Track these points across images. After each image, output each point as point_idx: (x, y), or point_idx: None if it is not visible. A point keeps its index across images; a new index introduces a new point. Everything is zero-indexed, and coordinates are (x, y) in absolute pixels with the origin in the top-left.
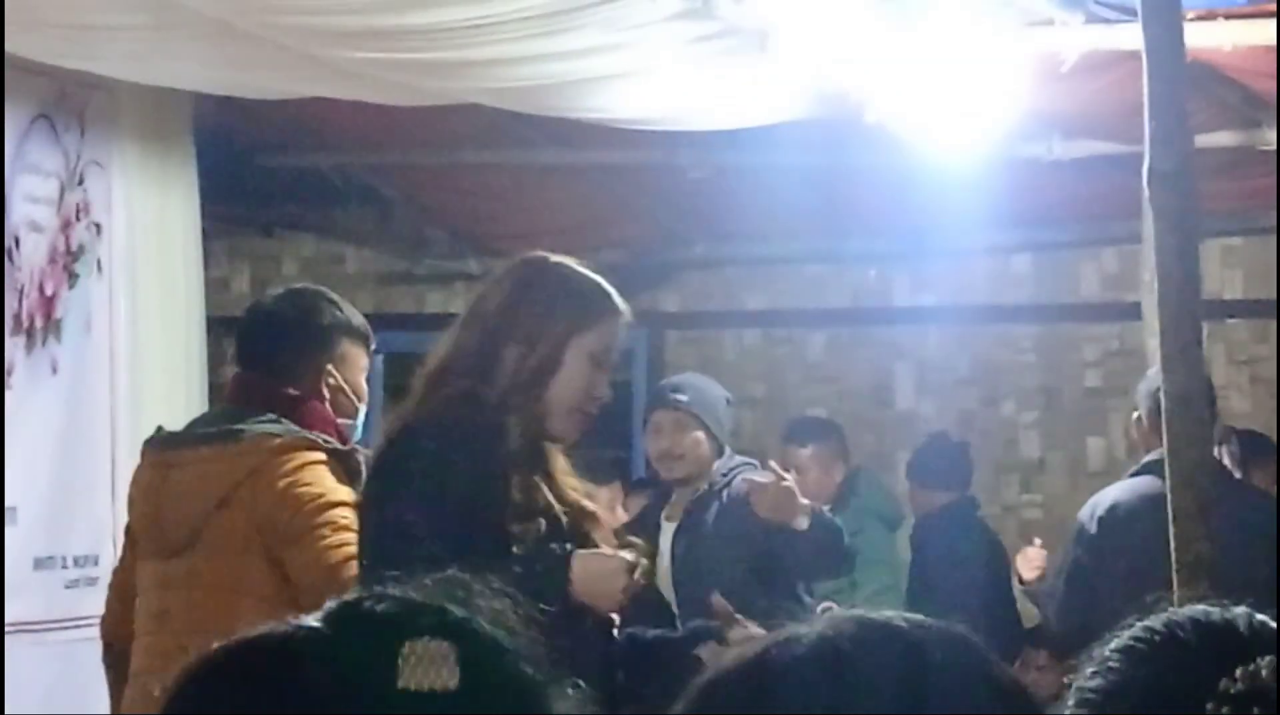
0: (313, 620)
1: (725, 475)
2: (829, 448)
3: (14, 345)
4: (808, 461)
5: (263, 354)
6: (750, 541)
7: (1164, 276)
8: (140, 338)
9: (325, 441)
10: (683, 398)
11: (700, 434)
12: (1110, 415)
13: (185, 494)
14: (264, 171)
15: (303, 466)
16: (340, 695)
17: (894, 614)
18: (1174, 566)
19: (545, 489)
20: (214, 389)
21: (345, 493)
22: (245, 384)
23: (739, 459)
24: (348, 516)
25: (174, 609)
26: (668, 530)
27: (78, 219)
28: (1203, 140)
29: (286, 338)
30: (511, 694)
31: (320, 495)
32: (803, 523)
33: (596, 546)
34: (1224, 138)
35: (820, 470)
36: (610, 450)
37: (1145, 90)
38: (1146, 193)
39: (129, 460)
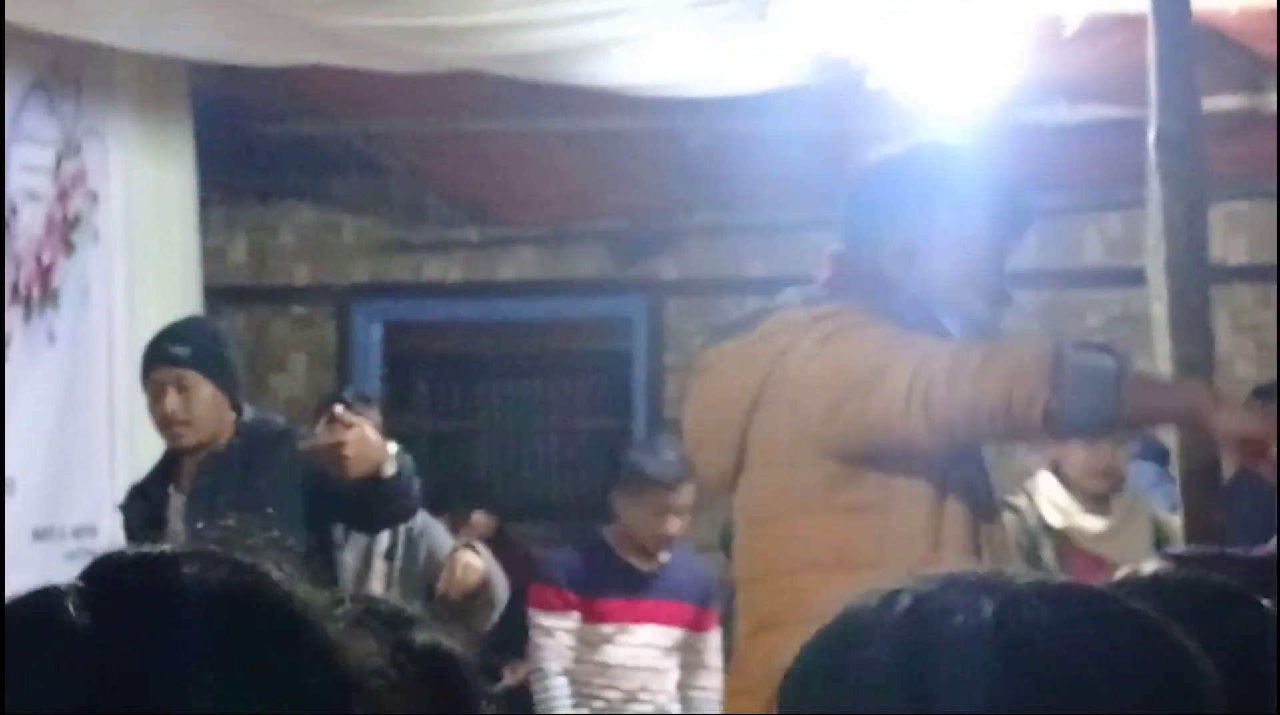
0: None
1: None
2: None
3: (12, 315)
4: None
5: None
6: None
7: (1171, 241)
8: (137, 307)
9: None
10: (182, 351)
11: (210, 390)
12: None
13: (709, 403)
14: (261, 140)
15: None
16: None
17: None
18: (1185, 534)
19: None
20: None
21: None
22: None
23: (259, 415)
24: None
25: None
26: (177, 503)
27: (75, 188)
28: (1207, 104)
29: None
30: (282, 627)
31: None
32: (389, 468)
33: None
34: (1228, 102)
35: None
36: (609, 420)
37: (1152, 54)
38: (1153, 157)
39: (127, 430)
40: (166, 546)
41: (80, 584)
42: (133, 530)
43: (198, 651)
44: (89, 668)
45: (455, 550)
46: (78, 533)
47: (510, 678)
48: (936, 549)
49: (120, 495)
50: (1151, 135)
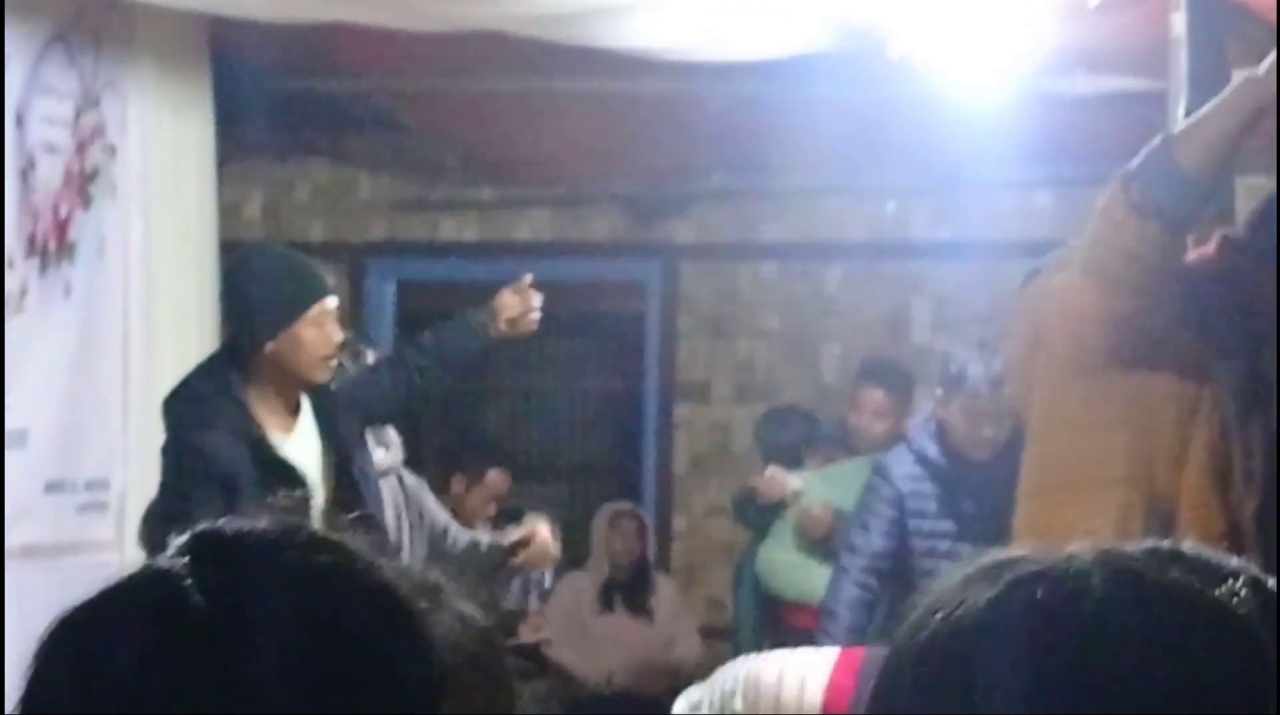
0: (169, 558)
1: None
2: (900, 393)
3: (28, 268)
4: (881, 404)
5: None
6: None
7: None
8: (153, 261)
9: None
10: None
11: None
12: None
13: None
14: (279, 96)
15: None
16: (214, 631)
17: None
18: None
19: None
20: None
21: None
22: None
23: None
24: None
25: None
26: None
27: (93, 141)
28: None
29: None
30: (386, 610)
31: None
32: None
33: None
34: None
35: (891, 414)
36: (620, 382)
37: (1183, 29)
38: None
39: (141, 384)
40: (266, 523)
41: (186, 562)
42: (234, 475)
43: (302, 634)
44: (201, 651)
45: (533, 524)
46: (90, 486)
47: (528, 634)
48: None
49: (133, 449)
50: (1181, 109)
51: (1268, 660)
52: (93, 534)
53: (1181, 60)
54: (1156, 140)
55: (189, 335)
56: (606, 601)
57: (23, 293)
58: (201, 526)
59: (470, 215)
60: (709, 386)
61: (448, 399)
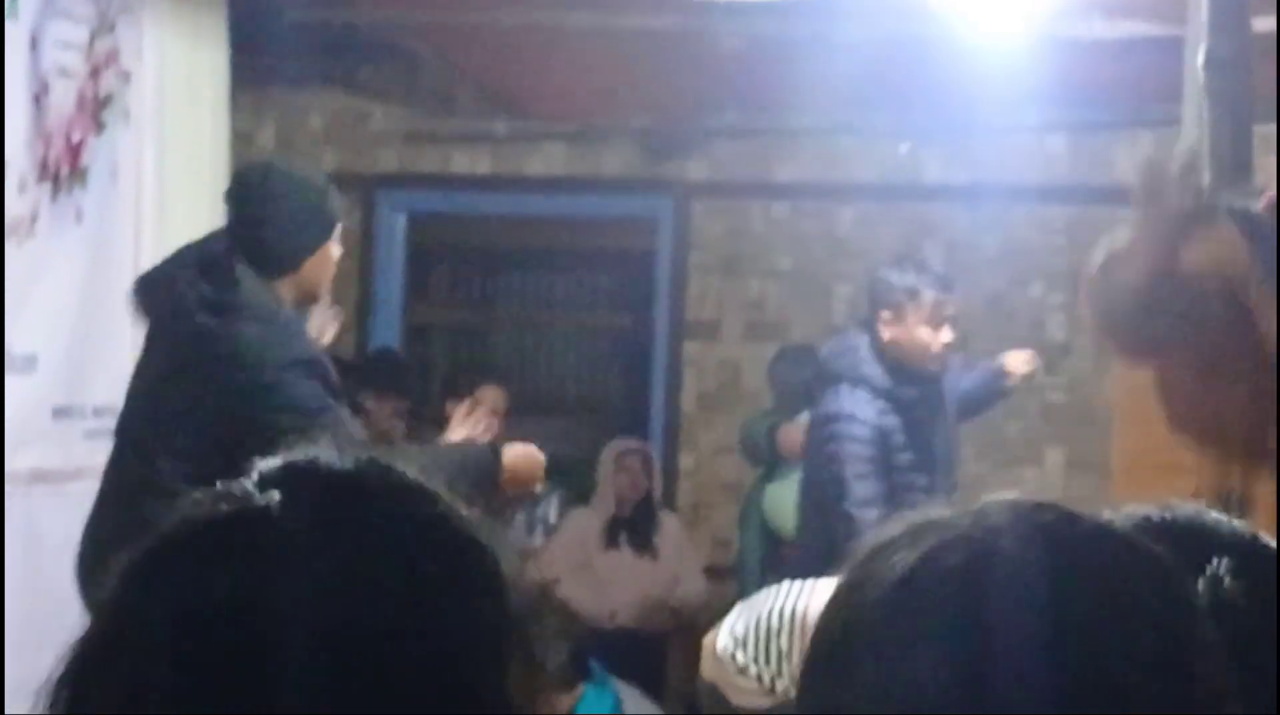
0: (253, 485)
1: None
2: None
3: (40, 192)
4: None
5: None
6: None
7: (1216, 162)
8: (165, 188)
9: None
10: None
11: None
12: None
13: None
14: (294, 25)
15: None
16: (294, 560)
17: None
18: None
19: None
20: None
21: None
22: None
23: None
24: None
25: None
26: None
27: (107, 66)
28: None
29: None
30: (465, 552)
31: None
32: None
33: None
34: (1265, 23)
35: None
36: (629, 318)
37: None
38: (1202, 78)
39: None
40: (352, 460)
41: (279, 500)
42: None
43: (393, 577)
44: (294, 589)
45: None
46: (98, 412)
47: (534, 573)
48: None
49: None
50: (1201, 56)
51: (1187, 609)
52: (100, 460)
53: (1202, 6)
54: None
55: None
56: (612, 538)
57: (34, 217)
58: (292, 458)
59: (483, 148)
60: (719, 325)
61: (456, 334)
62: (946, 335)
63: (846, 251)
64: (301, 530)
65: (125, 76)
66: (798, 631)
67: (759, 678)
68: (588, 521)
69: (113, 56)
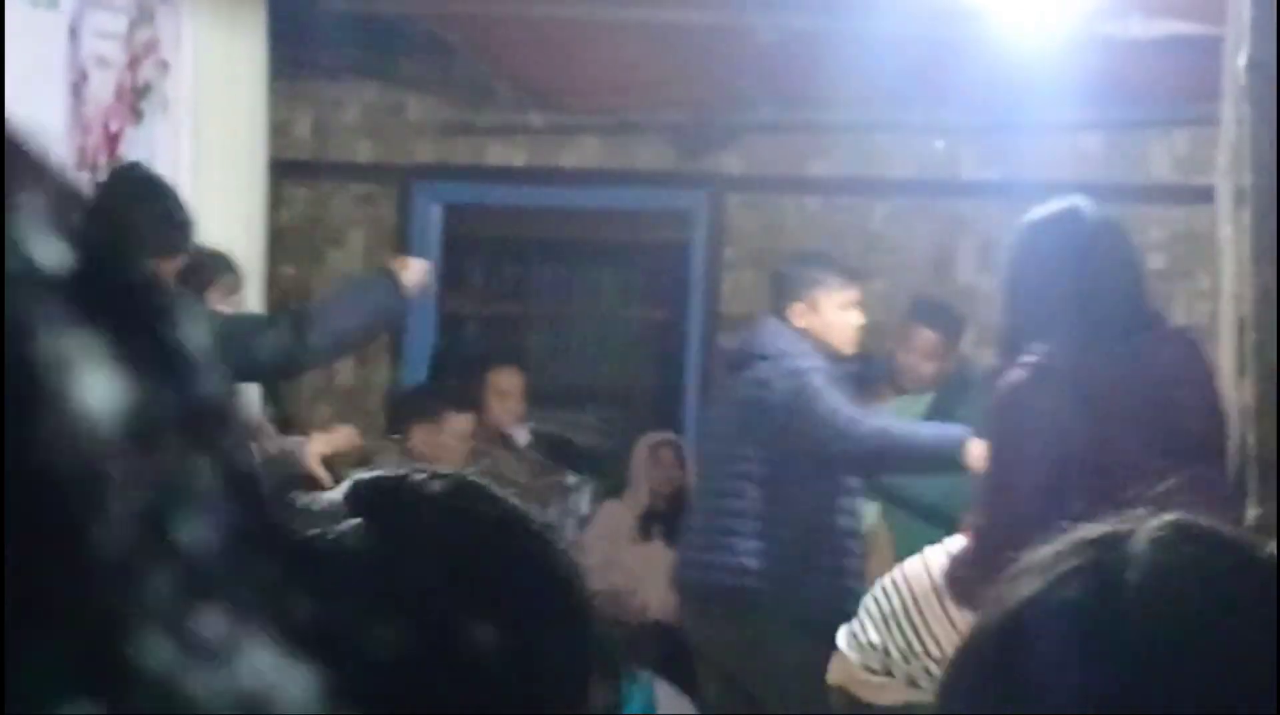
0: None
1: None
2: (951, 336)
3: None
4: (933, 345)
5: None
6: None
7: (1257, 165)
8: (202, 178)
9: None
10: None
11: None
12: (1174, 297)
13: None
14: (330, 15)
15: None
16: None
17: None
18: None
19: None
20: (273, 233)
21: None
22: None
23: None
24: None
25: None
26: None
27: (146, 56)
28: None
29: None
30: (544, 550)
31: None
32: None
33: None
34: None
35: (940, 356)
36: (663, 312)
37: None
38: (1243, 80)
39: None
40: (428, 476)
41: (358, 515)
42: None
43: (480, 583)
44: (379, 593)
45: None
46: None
47: None
48: None
49: None
50: (1243, 58)
51: None
52: None
53: (1244, 8)
54: None
55: (236, 252)
56: (644, 531)
57: None
58: (371, 476)
59: (519, 141)
60: (752, 318)
61: (488, 321)
62: (856, 318)
63: (880, 247)
64: (390, 556)
65: (163, 66)
66: (905, 592)
67: (886, 650)
68: (620, 514)
69: (151, 46)
